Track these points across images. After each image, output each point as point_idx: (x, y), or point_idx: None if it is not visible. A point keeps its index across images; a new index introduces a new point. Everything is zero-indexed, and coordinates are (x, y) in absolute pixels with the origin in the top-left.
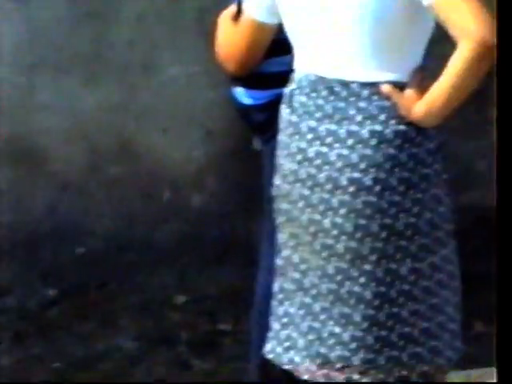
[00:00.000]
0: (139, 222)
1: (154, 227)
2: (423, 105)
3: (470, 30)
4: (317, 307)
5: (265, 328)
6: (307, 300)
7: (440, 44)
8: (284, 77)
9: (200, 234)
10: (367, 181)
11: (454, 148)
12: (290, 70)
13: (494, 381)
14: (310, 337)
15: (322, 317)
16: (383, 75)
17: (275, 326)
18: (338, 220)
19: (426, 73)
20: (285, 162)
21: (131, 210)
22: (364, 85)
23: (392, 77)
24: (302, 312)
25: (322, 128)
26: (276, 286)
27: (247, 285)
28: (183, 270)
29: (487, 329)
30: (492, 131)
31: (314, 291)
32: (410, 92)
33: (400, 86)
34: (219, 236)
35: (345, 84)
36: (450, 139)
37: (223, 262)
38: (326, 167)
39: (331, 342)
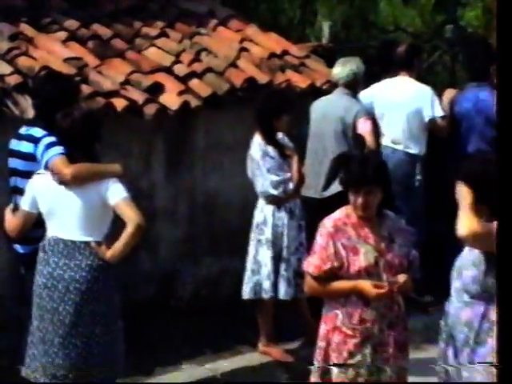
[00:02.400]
0: None
1: None
2: (111, 253)
3: (132, 219)
4: (50, 350)
5: None
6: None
7: None
8: (40, 238)
9: None
10: (85, 293)
11: None
12: (44, 234)
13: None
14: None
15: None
16: (92, 237)
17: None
18: (69, 309)
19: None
20: (40, 279)
21: None
22: (82, 242)
23: (97, 238)
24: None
25: (61, 262)
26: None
27: None
28: None
29: None
30: None
31: (49, 343)
32: (103, 246)
33: (99, 243)
34: None
35: (73, 242)
36: None
37: None
38: (65, 283)
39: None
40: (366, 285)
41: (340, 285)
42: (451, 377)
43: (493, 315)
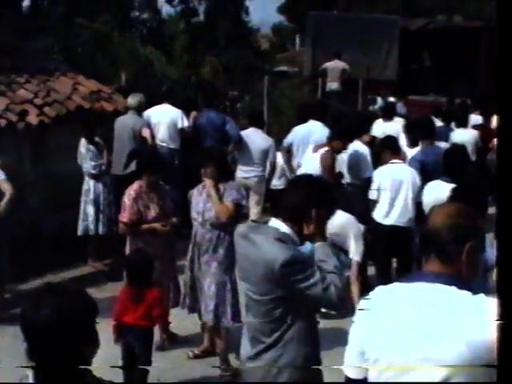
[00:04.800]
0: None
1: None
2: None
3: (9, 191)
4: None
5: None
6: None
7: None
8: None
9: None
10: None
11: None
12: None
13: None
14: None
15: None
16: None
17: None
18: None
19: None
20: None
21: None
22: None
23: None
24: None
25: None
26: None
27: None
28: None
29: None
30: None
31: None
32: None
33: None
34: None
35: None
36: None
37: None
38: None
39: None
40: (157, 226)
41: (143, 227)
42: (195, 269)
43: (223, 236)
